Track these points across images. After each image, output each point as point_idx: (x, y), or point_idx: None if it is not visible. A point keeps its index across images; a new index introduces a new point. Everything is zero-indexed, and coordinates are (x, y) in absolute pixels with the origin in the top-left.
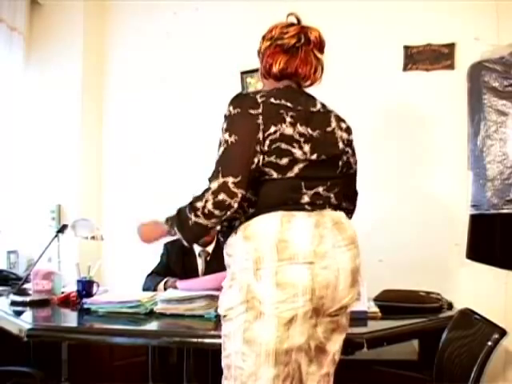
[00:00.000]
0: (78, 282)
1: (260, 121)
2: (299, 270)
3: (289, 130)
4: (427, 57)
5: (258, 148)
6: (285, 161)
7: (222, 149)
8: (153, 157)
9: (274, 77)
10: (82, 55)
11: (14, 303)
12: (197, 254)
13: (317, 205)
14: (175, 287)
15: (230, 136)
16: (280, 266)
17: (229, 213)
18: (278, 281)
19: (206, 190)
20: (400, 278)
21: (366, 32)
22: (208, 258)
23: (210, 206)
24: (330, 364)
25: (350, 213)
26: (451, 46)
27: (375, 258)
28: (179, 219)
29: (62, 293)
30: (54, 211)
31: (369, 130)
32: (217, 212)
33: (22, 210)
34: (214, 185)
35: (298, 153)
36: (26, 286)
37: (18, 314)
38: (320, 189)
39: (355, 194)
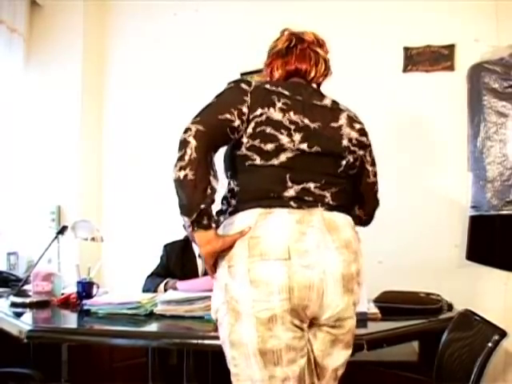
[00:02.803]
0: (78, 283)
1: (247, 98)
2: (272, 267)
3: (277, 115)
4: (427, 58)
5: (235, 113)
6: (270, 146)
7: None
8: (153, 157)
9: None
10: (81, 56)
11: (13, 304)
12: (196, 254)
13: (305, 201)
14: (175, 288)
15: (212, 100)
16: (251, 262)
17: (188, 150)
18: (251, 278)
19: None
20: (400, 279)
21: (365, 33)
22: None
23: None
24: (330, 380)
25: (360, 220)
26: (451, 48)
27: (375, 260)
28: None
29: (62, 294)
30: (54, 212)
31: (368, 131)
32: (180, 153)
33: (21, 211)
34: None
35: (284, 139)
36: (25, 287)
37: (18, 315)
38: (311, 185)
39: (363, 199)
